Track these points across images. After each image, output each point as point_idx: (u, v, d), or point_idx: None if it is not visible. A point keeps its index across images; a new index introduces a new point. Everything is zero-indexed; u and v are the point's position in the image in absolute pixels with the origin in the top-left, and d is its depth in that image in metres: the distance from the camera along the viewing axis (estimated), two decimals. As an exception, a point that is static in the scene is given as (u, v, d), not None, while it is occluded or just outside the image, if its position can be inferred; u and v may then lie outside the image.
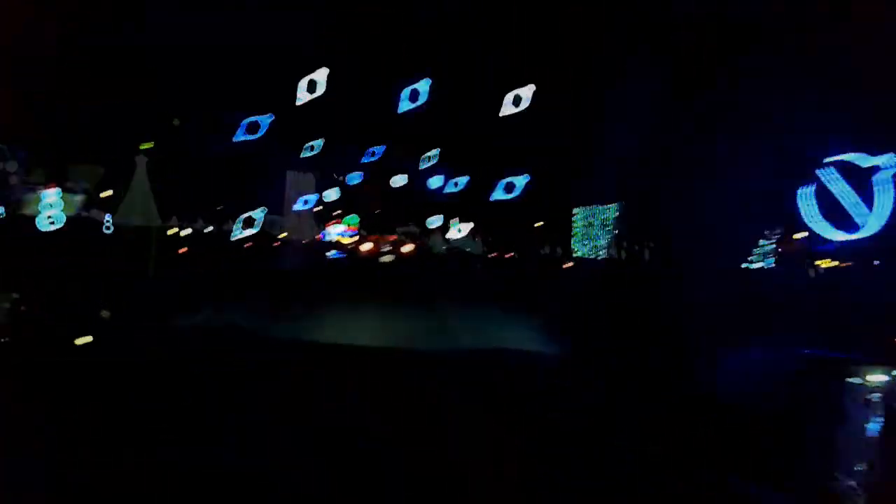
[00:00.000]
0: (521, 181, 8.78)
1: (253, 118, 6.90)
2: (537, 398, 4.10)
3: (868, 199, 11.93)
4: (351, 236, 25.67)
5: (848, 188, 12.12)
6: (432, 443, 3.21)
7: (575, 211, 27.07)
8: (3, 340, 4.21)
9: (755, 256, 21.36)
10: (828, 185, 12.26)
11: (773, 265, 21.16)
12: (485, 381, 4.47)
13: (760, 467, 3.29)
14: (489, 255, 26.08)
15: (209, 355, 4.31)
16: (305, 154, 10.18)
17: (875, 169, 11.90)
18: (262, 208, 7.96)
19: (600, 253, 25.78)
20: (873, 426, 3.31)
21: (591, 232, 26.61)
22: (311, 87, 6.93)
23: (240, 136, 6.97)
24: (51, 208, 13.59)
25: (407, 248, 24.60)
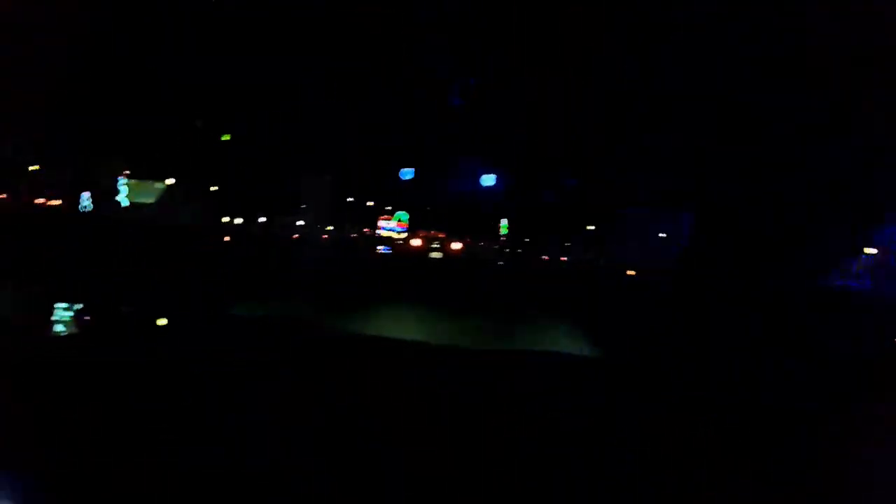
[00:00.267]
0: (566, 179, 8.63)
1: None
2: (537, 398, 4.09)
3: None
4: (399, 232, 25.68)
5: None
6: (432, 443, 3.21)
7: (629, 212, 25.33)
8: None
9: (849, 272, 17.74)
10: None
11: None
12: (487, 381, 4.47)
13: (760, 467, 3.29)
14: (540, 257, 25.69)
15: (209, 355, 4.30)
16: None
17: None
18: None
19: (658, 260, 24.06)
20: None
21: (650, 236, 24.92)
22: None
23: None
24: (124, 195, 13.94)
25: (456, 245, 24.53)
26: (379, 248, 22.41)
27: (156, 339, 4.35)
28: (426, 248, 23.83)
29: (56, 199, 20.38)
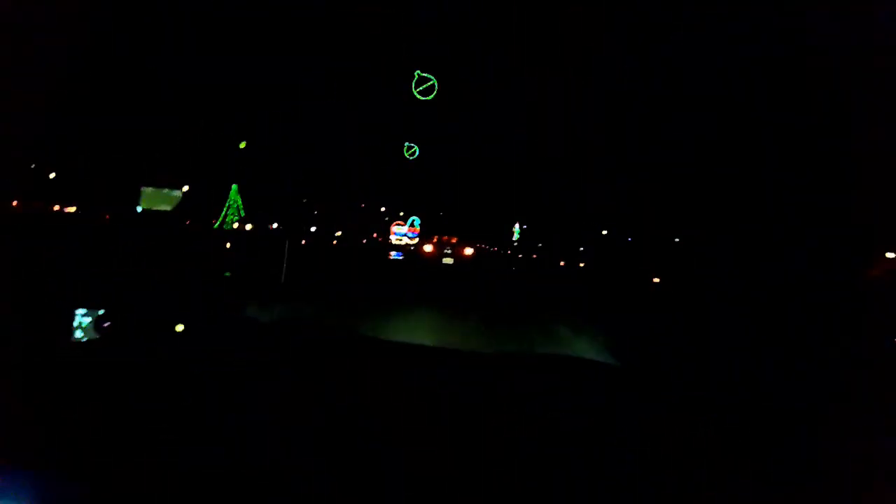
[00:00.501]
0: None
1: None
2: (537, 398, 4.09)
3: None
4: (412, 237, 25.71)
5: None
6: (432, 443, 3.21)
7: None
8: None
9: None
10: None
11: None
12: (487, 381, 4.47)
13: (760, 467, 3.29)
14: (559, 262, 25.51)
15: (209, 355, 4.30)
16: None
17: None
18: None
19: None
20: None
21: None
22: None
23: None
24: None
25: (468, 250, 24.58)
26: (392, 253, 22.42)
27: (156, 339, 4.35)
28: (438, 254, 23.82)
29: (71, 205, 20.52)
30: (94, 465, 2.65)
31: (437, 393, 4.02)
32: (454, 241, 25.43)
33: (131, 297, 4.63)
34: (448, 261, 22.69)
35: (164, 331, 4.41)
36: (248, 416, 3.32)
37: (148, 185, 15.24)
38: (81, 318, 4.06)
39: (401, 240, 25.15)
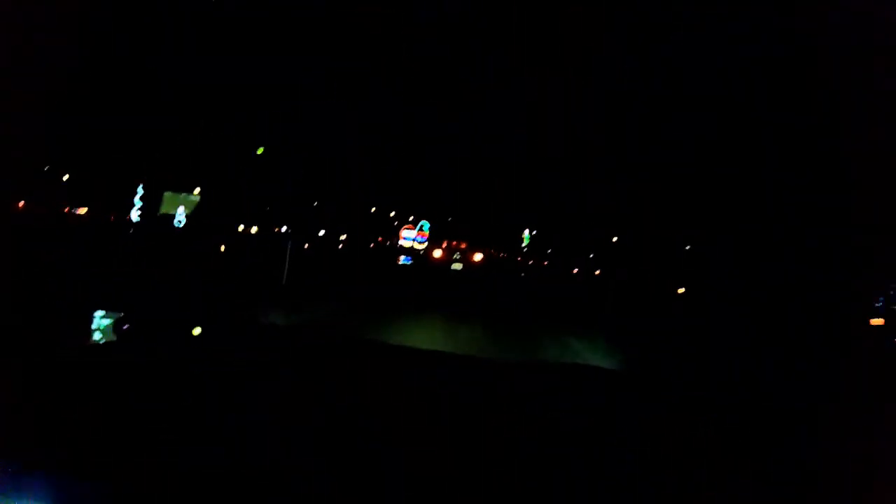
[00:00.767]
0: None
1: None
2: (537, 398, 4.09)
3: None
4: (421, 242, 25.55)
5: None
6: (432, 443, 3.21)
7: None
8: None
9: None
10: None
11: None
12: (487, 381, 4.47)
13: (760, 467, 3.29)
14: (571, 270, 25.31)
15: (209, 355, 4.30)
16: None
17: None
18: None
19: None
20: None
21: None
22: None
23: None
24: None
25: (478, 256, 24.47)
26: (400, 258, 22.34)
27: (157, 339, 4.35)
28: (447, 259, 23.75)
29: (82, 207, 20.52)
30: (94, 465, 2.65)
31: (437, 393, 4.02)
32: (463, 246, 25.34)
33: (150, 300, 4.64)
34: (457, 266, 22.67)
35: (182, 334, 4.41)
36: (249, 416, 3.32)
37: (167, 189, 15.34)
38: (100, 320, 4.06)
39: (410, 244, 25.04)
